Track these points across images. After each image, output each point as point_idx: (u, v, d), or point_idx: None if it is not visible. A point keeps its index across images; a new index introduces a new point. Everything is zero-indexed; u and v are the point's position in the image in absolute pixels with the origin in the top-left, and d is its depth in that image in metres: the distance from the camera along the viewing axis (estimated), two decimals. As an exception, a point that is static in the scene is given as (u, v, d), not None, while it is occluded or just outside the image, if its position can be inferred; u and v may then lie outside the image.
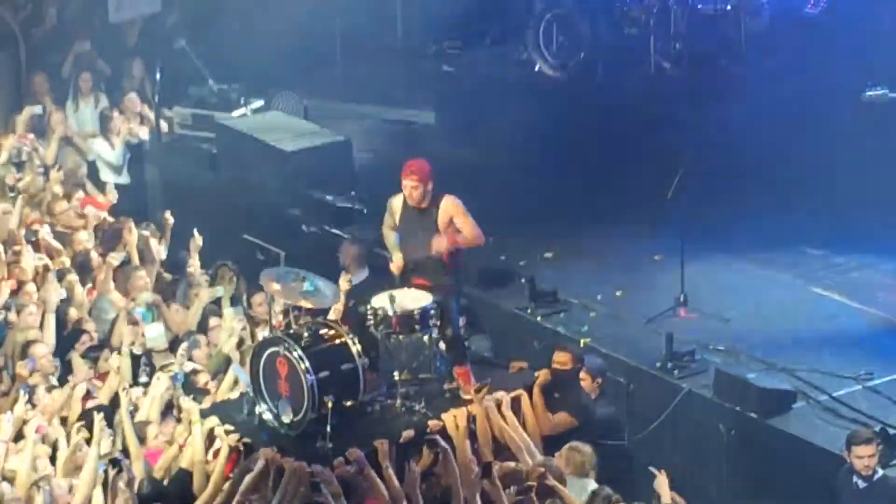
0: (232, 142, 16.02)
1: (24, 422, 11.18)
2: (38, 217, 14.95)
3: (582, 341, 12.21)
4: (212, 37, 18.40)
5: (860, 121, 14.03)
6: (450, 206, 11.12)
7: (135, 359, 12.48)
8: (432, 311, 10.96)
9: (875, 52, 14.77)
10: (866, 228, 13.64)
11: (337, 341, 10.90)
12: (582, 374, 11.46)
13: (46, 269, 13.66)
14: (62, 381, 12.11)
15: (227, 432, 10.80)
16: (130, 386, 11.95)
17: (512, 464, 10.41)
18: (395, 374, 10.99)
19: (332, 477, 10.02)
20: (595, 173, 15.32)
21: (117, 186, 16.33)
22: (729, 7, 15.97)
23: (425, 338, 10.98)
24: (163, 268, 14.43)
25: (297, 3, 18.19)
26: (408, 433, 10.69)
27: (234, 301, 13.62)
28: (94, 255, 14.13)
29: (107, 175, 16.54)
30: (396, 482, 10.11)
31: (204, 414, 10.99)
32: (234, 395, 11.70)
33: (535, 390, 11.29)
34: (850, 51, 15.03)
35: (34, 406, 11.50)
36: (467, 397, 11.06)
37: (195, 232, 14.59)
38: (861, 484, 10.32)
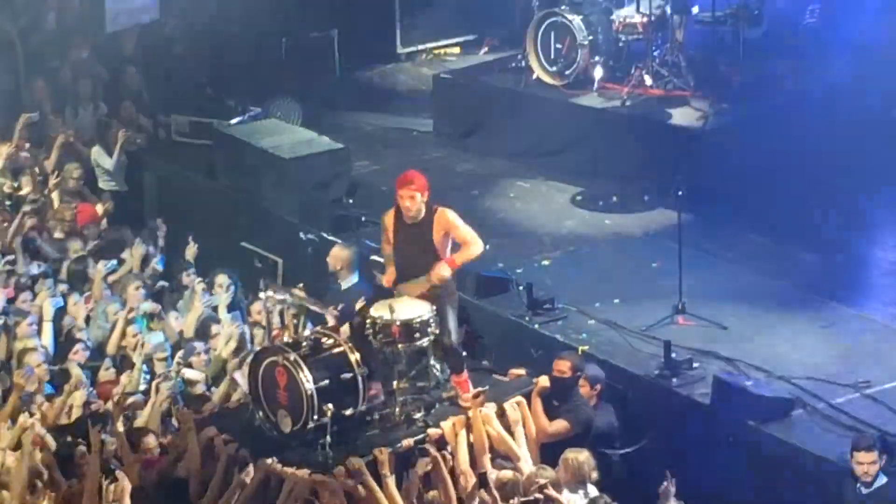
0: (230, 149, 16.01)
1: (24, 429, 11.18)
2: (37, 224, 14.94)
3: (580, 349, 12.20)
4: (210, 44, 18.40)
5: (860, 128, 14.04)
6: (444, 220, 11.08)
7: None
8: (431, 320, 10.96)
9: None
10: (864, 234, 13.63)
11: (336, 350, 10.91)
12: (580, 382, 11.47)
13: (44, 276, 13.66)
14: (59, 389, 12.10)
15: (226, 441, 10.77)
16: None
17: (509, 473, 10.41)
18: (395, 382, 10.98)
19: (339, 489, 10.00)
20: (597, 177, 15.37)
21: (114, 194, 16.34)
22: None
23: (424, 346, 10.99)
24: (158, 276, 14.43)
25: (295, 10, 18.18)
26: (407, 442, 10.69)
27: (233, 309, 13.61)
28: (91, 263, 14.12)
29: (104, 182, 16.53)
30: (395, 491, 10.11)
31: (201, 422, 10.98)
32: (233, 403, 11.70)
33: (534, 398, 11.31)
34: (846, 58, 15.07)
35: (32, 414, 11.50)
36: (465, 405, 11.07)
37: (190, 240, 14.61)
38: (864, 490, 10.34)
